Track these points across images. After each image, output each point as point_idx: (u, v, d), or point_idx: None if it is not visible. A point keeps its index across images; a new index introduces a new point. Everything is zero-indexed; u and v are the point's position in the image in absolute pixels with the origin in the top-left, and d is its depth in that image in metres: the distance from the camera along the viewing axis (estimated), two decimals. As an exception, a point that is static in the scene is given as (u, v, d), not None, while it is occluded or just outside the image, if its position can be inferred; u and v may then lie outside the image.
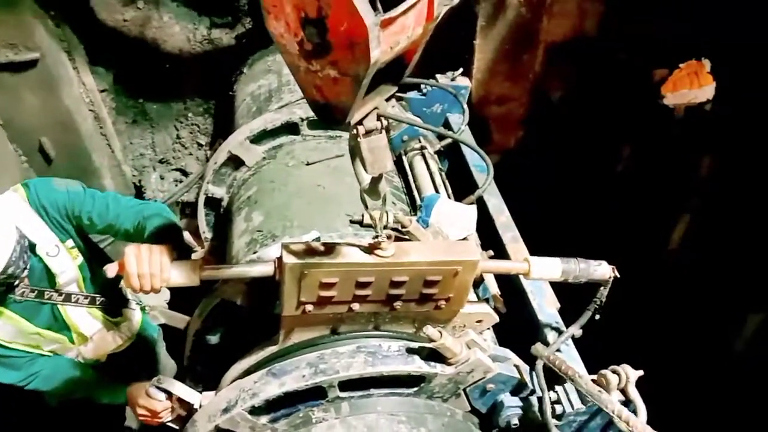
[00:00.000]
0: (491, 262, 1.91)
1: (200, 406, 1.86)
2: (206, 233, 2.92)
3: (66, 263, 2.05)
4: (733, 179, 3.18)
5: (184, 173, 4.25)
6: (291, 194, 2.46)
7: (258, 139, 2.73)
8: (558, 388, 1.86)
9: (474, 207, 2.37)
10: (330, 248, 1.59)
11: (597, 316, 1.91)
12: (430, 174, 2.68)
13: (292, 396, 1.68)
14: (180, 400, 2.00)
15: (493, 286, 2.14)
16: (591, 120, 3.69)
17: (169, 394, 2.04)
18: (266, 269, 1.63)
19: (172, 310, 3.19)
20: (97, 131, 3.74)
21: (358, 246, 1.61)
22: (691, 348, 3.25)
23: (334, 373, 1.66)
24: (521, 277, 2.31)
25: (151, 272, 1.62)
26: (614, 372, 1.80)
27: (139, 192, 4.08)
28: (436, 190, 2.54)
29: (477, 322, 1.93)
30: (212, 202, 2.84)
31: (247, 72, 3.52)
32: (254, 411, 1.67)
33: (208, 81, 3.94)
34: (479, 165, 2.85)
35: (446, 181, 2.69)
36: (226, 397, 1.72)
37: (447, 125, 3.07)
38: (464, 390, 1.79)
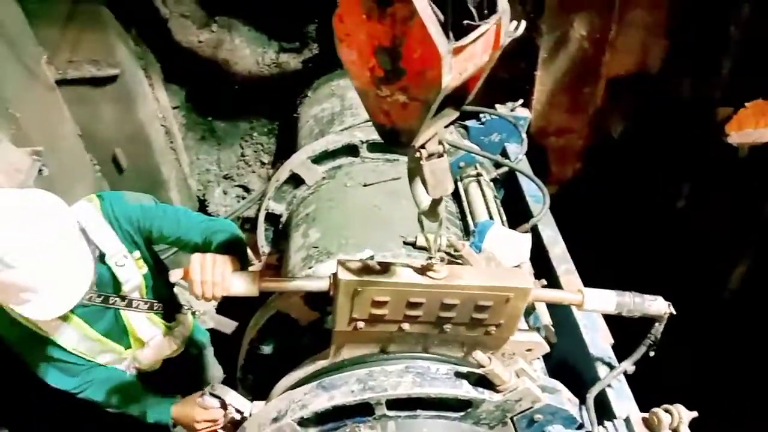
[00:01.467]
0: (544, 291, 1.90)
1: (251, 415, 1.90)
2: (264, 248, 3.01)
3: (132, 272, 2.13)
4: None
5: (246, 190, 4.41)
6: (348, 213, 2.52)
7: (319, 159, 2.81)
8: (607, 423, 1.84)
9: (528, 236, 2.37)
10: (384, 267, 1.62)
11: (651, 353, 1.88)
12: (485, 200, 2.70)
13: (340, 410, 1.70)
14: (230, 408, 2.05)
15: (545, 316, 2.13)
16: (651, 156, 3.63)
17: (222, 402, 2.09)
18: (322, 284, 1.67)
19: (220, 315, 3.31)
20: (167, 145, 3.92)
21: (412, 267, 1.63)
22: (747, 393, 3.12)
23: (383, 390, 1.68)
24: (574, 309, 2.31)
25: (213, 281, 1.69)
26: (667, 411, 1.77)
27: (202, 205, 4.24)
28: (491, 217, 2.56)
29: (527, 350, 1.92)
30: (272, 218, 2.94)
31: (311, 95, 3.64)
32: (303, 422, 1.71)
33: (274, 103, 4.08)
34: (535, 195, 2.86)
35: (501, 209, 2.70)
36: (277, 407, 1.76)
37: (504, 154, 3.09)
38: (511, 419, 1.78)
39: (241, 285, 1.70)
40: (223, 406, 2.10)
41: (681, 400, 1.78)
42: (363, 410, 1.72)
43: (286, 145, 3.80)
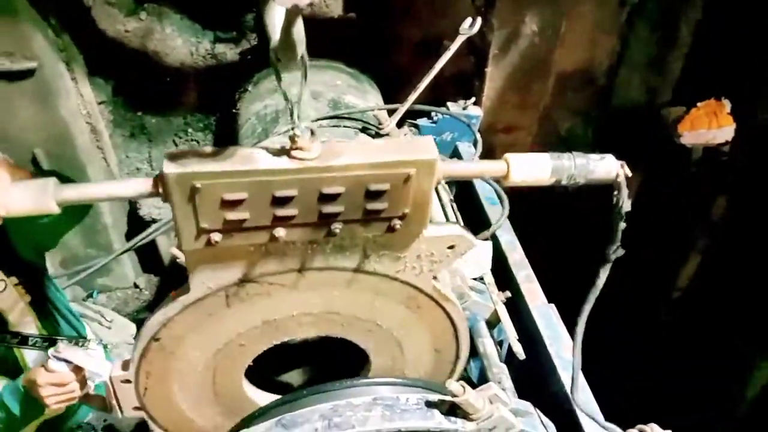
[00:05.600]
0: (458, 164, 1.47)
1: (111, 378, 1.61)
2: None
3: (12, 300, 1.95)
4: (747, 222, 3.14)
5: (181, 189, 4.13)
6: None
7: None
8: (581, 446, 1.79)
9: (489, 243, 2.29)
10: (230, 153, 1.19)
11: (617, 252, 1.49)
12: (442, 205, 2.60)
13: (304, 448, 1.58)
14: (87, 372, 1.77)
15: (510, 331, 2.05)
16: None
17: (75, 366, 1.77)
18: (143, 186, 1.19)
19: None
20: (93, 144, 3.61)
21: (269, 148, 1.21)
22: (699, 395, 3.19)
23: (349, 427, 1.55)
24: (537, 321, 2.25)
25: None
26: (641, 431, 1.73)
27: (133, 208, 3.95)
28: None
29: (448, 248, 1.46)
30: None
31: (252, 90, 3.42)
32: (262, 464, 1.57)
33: (210, 97, 3.83)
34: (490, 197, 2.78)
35: (458, 214, 2.61)
36: (233, 448, 1.61)
37: (456, 154, 3.00)
38: (484, 446, 1.70)
39: (24, 197, 1.17)
40: (77, 370, 1.76)
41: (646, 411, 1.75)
42: (328, 446, 1.59)
43: (225, 143, 3.56)
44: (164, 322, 1.48)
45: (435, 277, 1.55)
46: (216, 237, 1.25)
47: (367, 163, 1.22)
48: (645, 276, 3.34)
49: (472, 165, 1.48)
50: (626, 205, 1.41)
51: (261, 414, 1.74)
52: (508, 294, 2.12)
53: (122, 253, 3.63)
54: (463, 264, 2.16)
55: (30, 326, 2.01)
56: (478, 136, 2.88)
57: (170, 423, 1.75)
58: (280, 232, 1.28)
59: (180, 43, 3.73)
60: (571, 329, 1.69)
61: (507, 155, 1.33)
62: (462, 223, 2.58)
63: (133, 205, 3.97)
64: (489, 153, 3.72)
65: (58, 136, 3.32)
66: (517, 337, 2.03)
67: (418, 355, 1.78)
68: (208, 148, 1.19)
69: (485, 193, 2.79)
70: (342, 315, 1.62)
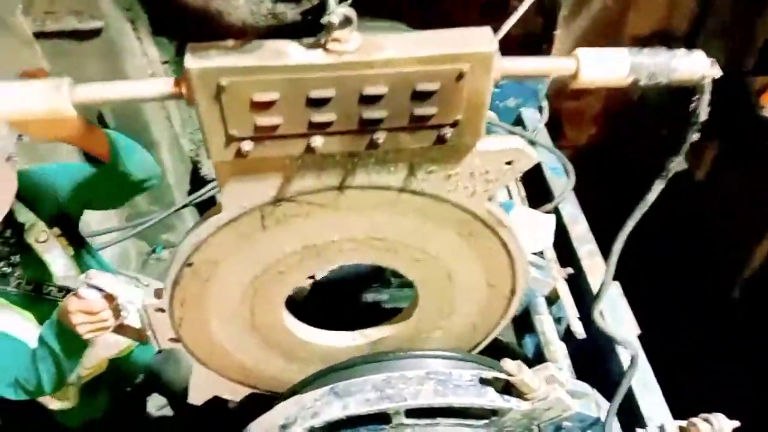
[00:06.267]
0: (519, 60, 1.16)
1: (144, 306, 1.55)
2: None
3: (58, 253, 1.96)
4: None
5: (241, 149, 4.16)
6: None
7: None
8: (639, 431, 1.73)
9: (552, 216, 2.21)
10: (258, 46, 1.04)
11: (695, 135, 1.23)
12: (502, 175, 2.52)
13: (354, 418, 1.57)
14: (119, 301, 1.67)
15: (570, 309, 1.98)
16: (673, 122, 3.43)
17: (107, 294, 1.67)
18: (165, 87, 1.05)
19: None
20: (157, 103, 3.67)
21: (301, 41, 1.04)
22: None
23: (401, 400, 1.54)
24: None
25: None
26: (706, 421, 1.65)
27: (195, 167, 4.02)
28: (510, 196, 2.38)
29: (506, 164, 1.26)
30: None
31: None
32: (314, 429, 1.58)
33: (270, 56, 3.81)
34: (554, 167, 2.68)
35: (520, 185, 2.53)
36: (284, 413, 1.62)
37: (520, 121, 2.89)
38: (538, 425, 1.66)
39: (37, 99, 1.00)
40: (109, 299, 1.67)
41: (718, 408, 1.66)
42: (379, 417, 1.59)
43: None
44: (197, 245, 1.36)
45: (490, 200, 1.38)
46: (247, 146, 1.10)
47: (414, 57, 1.04)
48: (718, 253, 3.17)
49: (535, 61, 1.20)
50: (703, 114, 1.21)
51: (314, 380, 1.76)
52: (570, 270, 2.04)
53: (182, 208, 3.69)
54: (524, 238, 2.09)
55: (75, 282, 1.93)
56: (545, 102, 2.75)
57: (207, 355, 1.69)
58: (317, 141, 1.12)
59: (242, 2, 3.70)
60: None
61: (577, 50, 1.11)
62: (524, 197, 2.51)
63: (195, 165, 4.04)
64: (555, 120, 3.59)
65: (124, 95, 3.36)
66: (578, 315, 1.96)
67: (470, 289, 1.62)
68: (235, 42, 1.03)
69: (550, 162, 2.69)
70: (387, 241, 1.44)
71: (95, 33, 3.12)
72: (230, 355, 1.69)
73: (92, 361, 2.17)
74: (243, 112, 1.05)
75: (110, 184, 1.91)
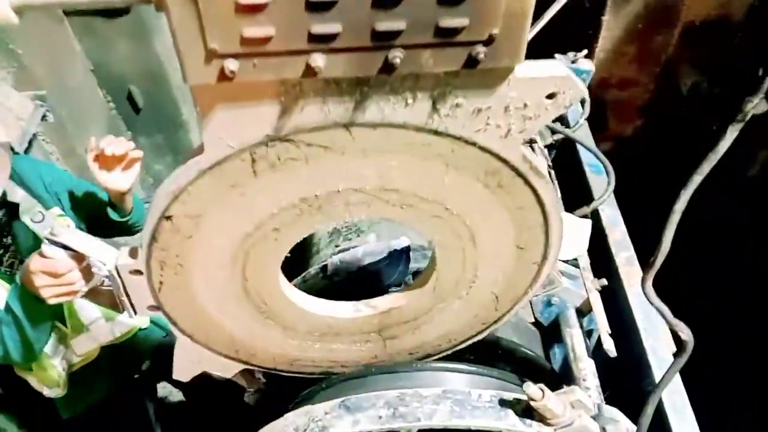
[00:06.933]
0: None
1: (117, 267, 1.33)
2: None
3: None
4: None
5: (271, 129, 4.08)
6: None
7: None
8: (671, 460, 1.62)
9: (589, 222, 2.06)
10: None
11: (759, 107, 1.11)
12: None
13: None
14: (89, 260, 1.40)
15: (602, 324, 1.86)
16: (725, 115, 3.22)
17: (75, 253, 1.42)
18: None
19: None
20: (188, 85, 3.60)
21: None
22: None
23: (415, 420, 1.45)
24: (634, 310, 2.05)
25: None
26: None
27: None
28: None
29: (548, 97, 1.02)
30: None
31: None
32: (323, 443, 1.51)
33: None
34: (594, 165, 2.53)
35: (555, 182, 2.38)
36: (293, 424, 1.56)
37: (560, 116, 2.73)
38: (560, 451, 1.56)
39: None
40: (79, 258, 1.43)
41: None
42: (391, 433, 1.51)
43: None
44: (176, 192, 1.13)
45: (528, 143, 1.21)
46: (231, 65, 0.89)
47: None
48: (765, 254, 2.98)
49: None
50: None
51: (324, 388, 1.69)
52: (604, 282, 1.91)
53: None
54: (557, 242, 1.97)
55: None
56: (587, 97, 2.58)
57: (193, 326, 1.47)
58: (318, 60, 0.89)
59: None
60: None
61: None
62: (559, 197, 2.37)
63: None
64: (599, 111, 3.41)
65: (153, 74, 3.32)
66: (609, 331, 1.83)
67: (496, 253, 1.38)
68: None
69: (589, 159, 2.54)
70: (401, 193, 1.21)
71: (125, 11, 3.06)
72: (219, 326, 1.48)
73: (85, 348, 2.09)
74: (226, 18, 0.84)
75: (111, 222, 2.01)
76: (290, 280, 1.50)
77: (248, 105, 0.99)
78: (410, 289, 1.53)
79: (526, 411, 1.47)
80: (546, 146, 2.54)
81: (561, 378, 1.88)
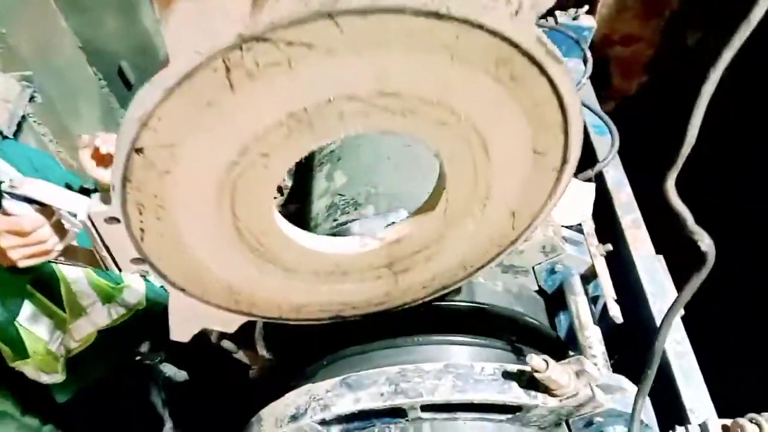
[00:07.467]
0: None
1: (89, 215, 1.15)
2: (286, 180, 2.73)
3: None
4: None
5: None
6: (379, 155, 2.17)
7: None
8: (679, 428, 1.59)
9: (592, 185, 2.01)
10: None
11: None
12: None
13: (368, 411, 1.48)
14: (60, 213, 1.24)
15: (608, 290, 1.81)
16: (732, 71, 3.12)
17: (42, 206, 1.24)
18: None
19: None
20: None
21: None
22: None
23: (417, 395, 1.43)
24: (640, 273, 2.01)
25: None
26: (754, 422, 1.50)
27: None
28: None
29: None
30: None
31: None
32: (325, 422, 1.50)
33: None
34: (597, 125, 2.46)
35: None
36: (295, 403, 1.54)
37: (562, 74, 2.64)
38: (566, 420, 1.54)
39: None
40: (48, 213, 1.26)
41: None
42: (394, 410, 1.49)
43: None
44: (143, 119, 0.94)
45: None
46: None
47: None
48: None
49: None
50: None
51: (325, 365, 1.67)
52: (609, 247, 1.86)
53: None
54: (558, 208, 1.91)
55: None
56: (588, 53, 2.50)
57: (184, 278, 1.30)
58: None
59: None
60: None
61: None
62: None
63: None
64: (602, 68, 3.31)
65: (143, 48, 3.25)
66: (615, 297, 1.79)
67: (511, 161, 1.21)
68: None
69: (592, 120, 2.46)
70: (402, 97, 1.05)
71: (111, -17, 2.98)
72: (213, 274, 1.31)
73: (84, 332, 2.07)
74: None
75: None
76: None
77: (213, -3, 0.82)
78: (419, 214, 1.36)
79: (530, 382, 1.44)
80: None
81: (567, 346, 1.85)
